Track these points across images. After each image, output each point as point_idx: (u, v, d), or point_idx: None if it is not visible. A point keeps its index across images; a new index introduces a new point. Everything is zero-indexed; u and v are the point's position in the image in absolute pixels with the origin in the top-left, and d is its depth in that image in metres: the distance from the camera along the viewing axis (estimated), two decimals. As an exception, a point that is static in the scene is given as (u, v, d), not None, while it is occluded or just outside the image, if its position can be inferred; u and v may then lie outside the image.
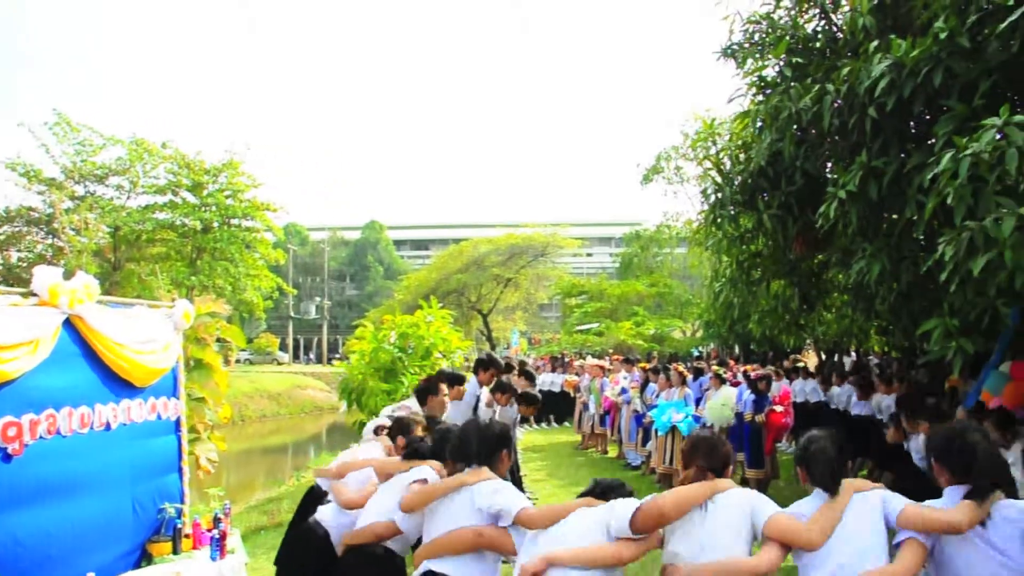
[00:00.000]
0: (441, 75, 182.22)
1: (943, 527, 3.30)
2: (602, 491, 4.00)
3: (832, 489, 3.47)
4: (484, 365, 8.23)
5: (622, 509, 3.59)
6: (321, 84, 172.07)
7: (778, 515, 3.41)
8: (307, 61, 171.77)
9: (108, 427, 5.05)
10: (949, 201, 4.58)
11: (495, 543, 3.91)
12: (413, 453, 4.77)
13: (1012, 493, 3.43)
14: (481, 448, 4.12)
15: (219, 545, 5.38)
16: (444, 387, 6.96)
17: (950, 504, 3.36)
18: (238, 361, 42.80)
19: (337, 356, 51.18)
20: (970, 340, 5.42)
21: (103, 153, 28.30)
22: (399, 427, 5.34)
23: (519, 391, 8.63)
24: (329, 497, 5.24)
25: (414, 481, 4.37)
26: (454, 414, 7.18)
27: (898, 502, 3.40)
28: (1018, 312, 5.54)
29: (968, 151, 4.41)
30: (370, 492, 4.74)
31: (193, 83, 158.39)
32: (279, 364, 54.90)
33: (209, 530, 5.54)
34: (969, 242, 4.46)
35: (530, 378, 9.73)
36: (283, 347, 61.57)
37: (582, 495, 4.03)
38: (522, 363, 10.69)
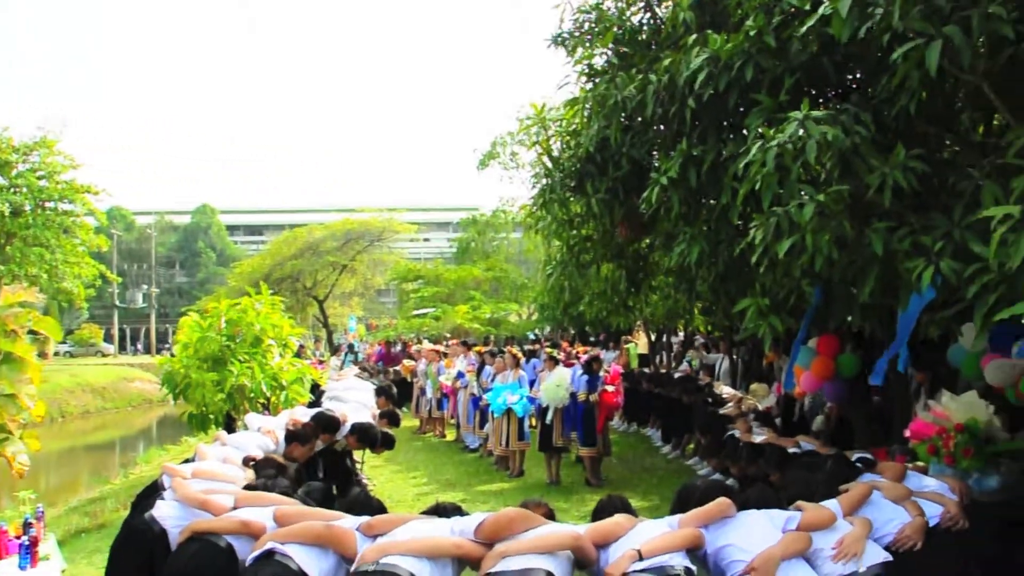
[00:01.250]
0: (274, 56, 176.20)
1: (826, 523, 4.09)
2: (445, 514, 4.25)
3: None
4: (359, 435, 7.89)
5: (468, 522, 3.93)
6: (148, 58, 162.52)
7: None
8: (138, 33, 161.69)
9: None
10: (758, 188, 4.90)
11: (337, 538, 4.01)
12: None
13: None
14: None
15: (29, 552, 4.98)
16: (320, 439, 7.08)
17: None
18: (57, 354, 40.05)
19: (167, 346, 48.80)
20: (779, 318, 5.82)
21: None
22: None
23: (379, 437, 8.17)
24: (166, 494, 5.02)
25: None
26: None
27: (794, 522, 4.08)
28: (820, 292, 5.99)
29: (774, 142, 4.73)
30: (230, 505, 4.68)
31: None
32: (103, 356, 51.88)
33: (18, 537, 5.12)
34: (776, 226, 4.79)
35: (393, 421, 9.20)
36: (108, 338, 58.24)
37: (424, 513, 4.28)
38: (388, 400, 10.24)
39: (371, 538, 3.99)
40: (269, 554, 3.91)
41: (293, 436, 6.65)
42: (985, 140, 5.42)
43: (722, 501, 4.10)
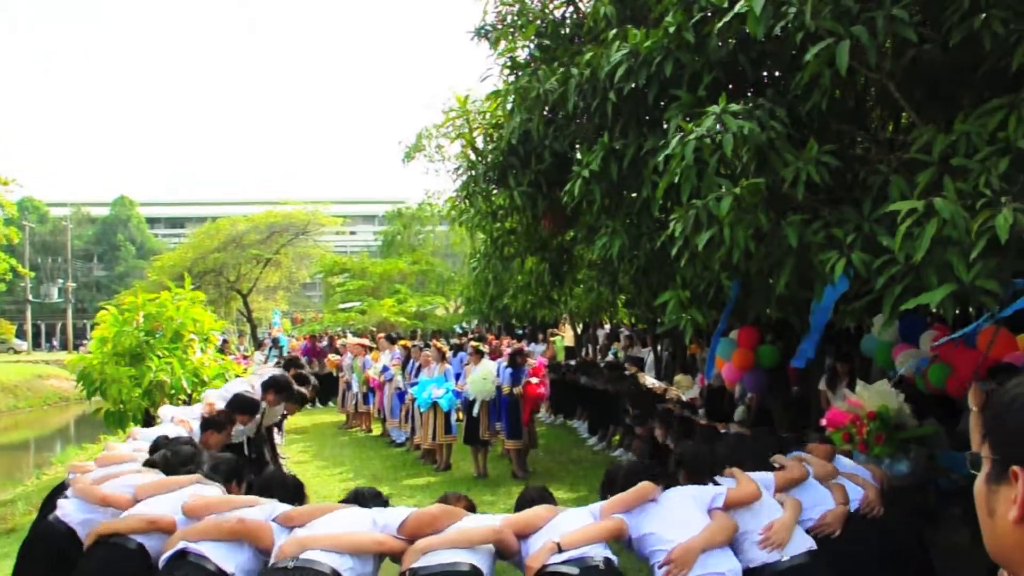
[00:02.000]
0: (197, 45, 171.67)
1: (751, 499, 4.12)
2: (364, 500, 4.17)
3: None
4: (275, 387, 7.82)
5: (391, 516, 3.85)
6: (59, 45, 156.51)
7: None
8: (48, 15, 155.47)
9: None
10: (677, 181, 4.96)
11: (251, 532, 3.90)
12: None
13: None
14: None
15: (-75, 560, 4.78)
16: (237, 421, 6.81)
17: None
18: (-37, 351, 38.37)
19: (85, 342, 47.24)
20: (700, 311, 5.90)
21: None
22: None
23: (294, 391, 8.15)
24: (68, 492, 4.84)
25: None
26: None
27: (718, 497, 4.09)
28: (739, 285, 6.10)
29: (692, 135, 4.79)
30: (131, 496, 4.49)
31: None
32: (16, 353, 49.77)
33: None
34: (694, 219, 4.86)
35: (302, 381, 9.03)
36: (21, 334, 55.89)
37: (343, 502, 4.19)
38: (296, 366, 10.11)
39: (288, 529, 3.90)
40: (182, 554, 3.81)
41: (208, 423, 6.44)
42: (894, 137, 5.59)
43: (644, 486, 4.09)
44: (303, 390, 8.25)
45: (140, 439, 6.06)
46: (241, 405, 7.05)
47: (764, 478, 4.39)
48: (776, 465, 4.61)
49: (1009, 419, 1.16)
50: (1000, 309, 4.00)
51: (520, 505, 4.39)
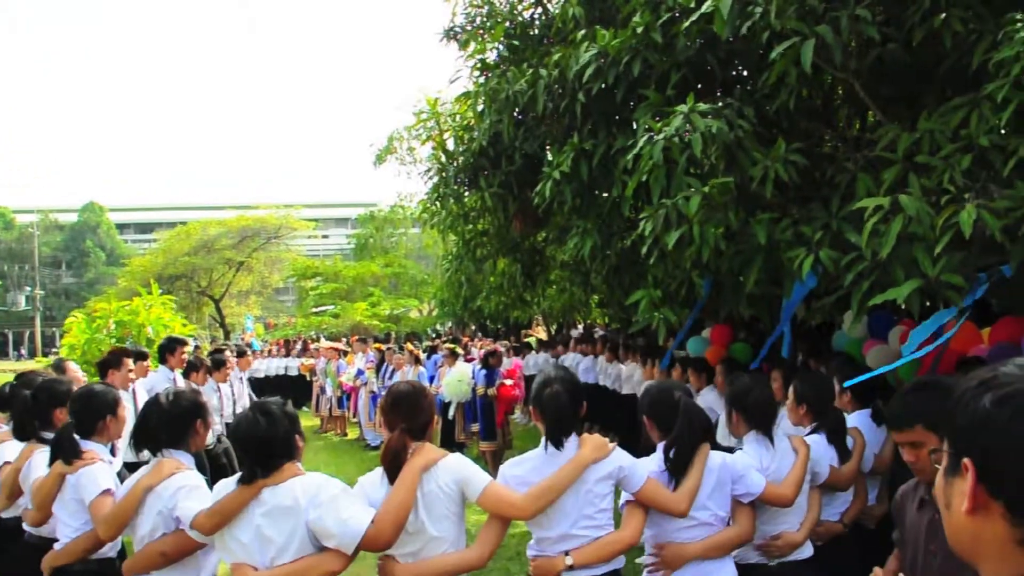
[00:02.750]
0: (164, 50, 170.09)
1: (670, 511, 3.41)
2: (264, 469, 3.17)
3: (559, 442, 3.36)
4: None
5: (343, 535, 3.02)
6: (21, 49, 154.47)
7: (492, 485, 3.28)
8: (15, 21, 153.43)
9: None
10: (647, 180, 4.99)
11: (180, 555, 3.37)
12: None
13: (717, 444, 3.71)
14: (165, 429, 3.52)
15: None
16: (128, 361, 6.44)
17: (657, 458, 3.57)
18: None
19: (54, 350, 46.49)
20: (672, 310, 5.92)
21: None
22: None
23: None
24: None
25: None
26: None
27: (637, 480, 3.39)
28: (710, 283, 6.13)
29: (661, 135, 4.81)
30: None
31: None
32: (-18, 362, 49.17)
33: None
34: (664, 218, 4.87)
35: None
36: (-13, 343, 55.21)
37: (245, 480, 3.19)
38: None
39: (207, 534, 3.17)
40: None
41: (105, 363, 6.33)
42: (860, 136, 5.66)
43: (680, 511, 3.44)
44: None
45: None
46: (135, 355, 7.05)
47: (821, 466, 4.05)
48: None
49: (959, 414, 1.19)
50: (963, 302, 4.05)
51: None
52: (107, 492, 3.68)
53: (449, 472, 3.24)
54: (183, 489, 3.35)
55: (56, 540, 3.86)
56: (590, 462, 3.34)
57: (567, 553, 3.30)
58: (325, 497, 3.08)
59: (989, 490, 1.13)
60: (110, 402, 4.08)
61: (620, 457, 3.43)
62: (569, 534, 3.33)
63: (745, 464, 3.66)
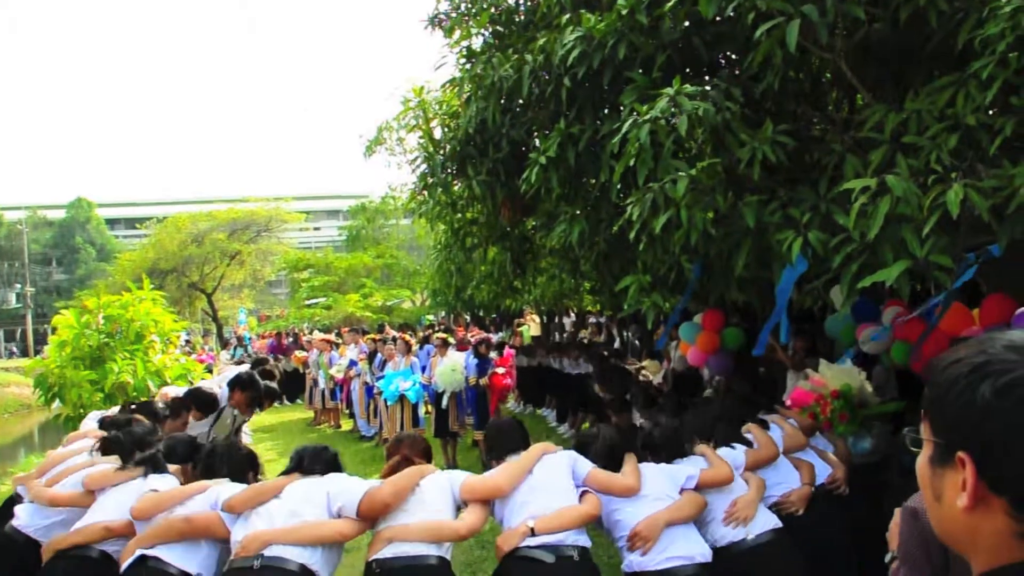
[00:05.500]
0: (152, 43, 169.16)
1: (621, 491, 3.99)
2: (309, 463, 4.10)
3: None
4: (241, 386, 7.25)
5: (347, 495, 3.77)
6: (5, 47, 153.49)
7: (468, 475, 4.00)
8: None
9: None
10: (634, 164, 4.94)
11: (200, 530, 3.86)
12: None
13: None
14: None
15: None
16: (190, 417, 6.50)
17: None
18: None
19: (46, 347, 46.29)
20: (661, 295, 5.89)
21: None
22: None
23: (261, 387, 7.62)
24: (26, 498, 4.73)
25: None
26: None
27: (584, 465, 4.09)
28: (699, 267, 6.10)
29: (646, 117, 4.76)
30: (80, 492, 4.39)
31: None
32: (-26, 361, 49.01)
33: None
34: (651, 202, 4.83)
35: (267, 376, 8.33)
36: (-22, 342, 55.05)
37: (288, 471, 4.10)
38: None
39: (237, 517, 3.80)
40: (142, 559, 3.77)
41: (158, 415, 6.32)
42: (848, 117, 5.61)
43: (631, 478, 4.06)
44: (271, 384, 7.91)
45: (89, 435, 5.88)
46: (196, 398, 6.79)
47: (735, 457, 4.39)
48: (748, 436, 4.64)
49: (948, 404, 1.12)
50: (952, 283, 4.03)
51: (489, 439, 4.56)
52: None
53: (444, 474, 4.06)
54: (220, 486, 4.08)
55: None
56: (546, 449, 4.15)
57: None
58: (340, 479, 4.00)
59: (990, 485, 1.07)
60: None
61: (570, 452, 4.24)
62: (529, 500, 3.85)
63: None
